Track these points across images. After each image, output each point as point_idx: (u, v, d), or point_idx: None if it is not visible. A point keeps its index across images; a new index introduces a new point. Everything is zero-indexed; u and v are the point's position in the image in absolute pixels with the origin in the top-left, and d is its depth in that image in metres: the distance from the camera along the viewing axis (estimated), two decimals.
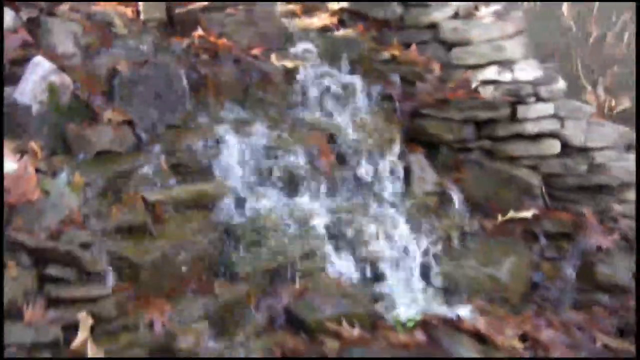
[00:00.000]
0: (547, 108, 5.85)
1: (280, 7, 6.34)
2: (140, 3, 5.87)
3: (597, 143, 5.92)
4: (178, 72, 5.29)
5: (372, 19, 6.32)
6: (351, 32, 6.25)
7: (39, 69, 4.90)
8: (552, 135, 5.86)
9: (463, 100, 5.83)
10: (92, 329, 4.11)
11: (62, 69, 5.04)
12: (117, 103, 5.13)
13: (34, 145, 4.65)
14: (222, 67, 5.56)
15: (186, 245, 4.69)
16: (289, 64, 5.75)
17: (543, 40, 7.55)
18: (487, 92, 5.87)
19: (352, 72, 6.03)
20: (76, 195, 4.60)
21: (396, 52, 6.11)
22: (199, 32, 5.74)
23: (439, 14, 6.22)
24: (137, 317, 4.31)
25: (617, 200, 5.84)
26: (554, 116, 5.86)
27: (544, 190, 5.85)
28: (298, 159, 5.30)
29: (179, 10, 5.92)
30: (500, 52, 6.04)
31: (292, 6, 6.45)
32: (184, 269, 4.65)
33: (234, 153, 5.17)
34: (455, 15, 6.26)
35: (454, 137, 5.84)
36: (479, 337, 4.74)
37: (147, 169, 4.92)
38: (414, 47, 6.16)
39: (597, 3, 8.05)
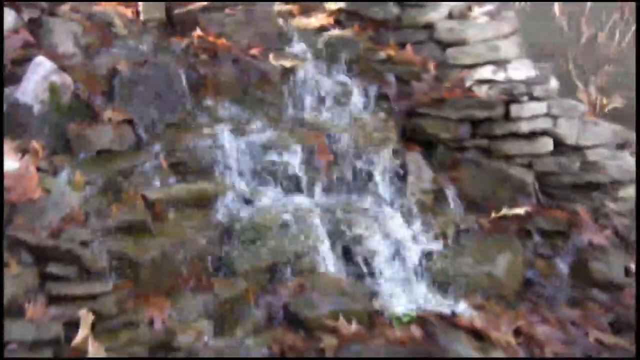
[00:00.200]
0: (541, 107, 5.82)
1: (278, 7, 6.31)
2: (140, 3, 5.86)
3: (590, 141, 5.90)
4: (177, 72, 5.29)
5: (368, 19, 6.29)
6: (348, 32, 6.22)
7: (40, 68, 4.89)
8: (546, 133, 5.84)
9: (459, 99, 5.80)
10: (93, 326, 4.09)
11: (63, 68, 5.04)
12: (117, 102, 5.13)
13: (35, 144, 4.64)
14: (221, 66, 5.54)
15: (186, 244, 4.67)
16: (287, 63, 5.74)
17: (536, 40, 7.53)
18: (483, 92, 5.85)
19: (349, 71, 6.00)
20: (77, 194, 4.60)
21: (392, 52, 6.08)
22: (198, 32, 5.73)
23: (435, 14, 6.20)
24: (137, 315, 4.30)
25: (610, 197, 5.81)
26: (548, 115, 5.83)
27: (537, 188, 5.83)
28: (296, 158, 5.28)
29: (178, 10, 5.90)
30: (495, 52, 6.02)
31: (289, 6, 6.42)
32: (183, 267, 4.63)
33: (233, 152, 5.17)
34: (449, 16, 6.24)
35: (450, 136, 5.81)
36: (475, 333, 4.73)
37: (147, 168, 4.93)
38: (409, 47, 6.13)
39: (588, 3, 8.03)
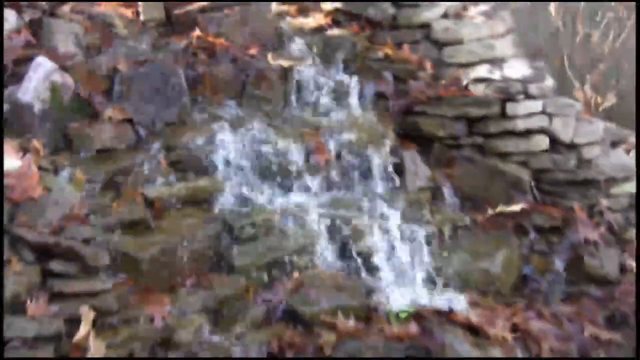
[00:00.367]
0: (536, 105, 5.82)
1: (276, 7, 6.30)
2: (140, 4, 5.86)
3: (584, 139, 5.90)
4: (177, 71, 5.29)
5: (365, 19, 6.29)
6: (345, 31, 6.22)
7: (42, 68, 4.90)
8: (541, 131, 5.83)
9: (455, 97, 5.80)
10: (94, 323, 4.09)
11: (64, 68, 5.05)
12: (117, 101, 5.13)
13: (36, 143, 4.65)
14: (219, 66, 5.54)
15: (185, 241, 4.67)
16: (284, 63, 5.74)
17: (532, 40, 7.54)
18: (479, 90, 5.84)
19: (346, 70, 6.00)
20: (78, 192, 4.61)
21: (389, 51, 6.08)
22: (197, 32, 5.73)
23: (430, 14, 6.20)
24: (138, 311, 4.30)
25: (605, 194, 5.81)
26: (543, 113, 5.83)
27: (533, 185, 5.82)
28: (294, 156, 5.27)
29: (177, 11, 5.91)
30: (491, 51, 6.03)
31: (287, 7, 6.42)
32: (183, 264, 4.63)
33: (232, 150, 5.16)
34: (445, 15, 6.24)
35: (446, 134, 5.79)
36: (471, 329, 4.72)
37: (146, 166, 4.93)
38: (406, 46, 6.12)
39: (582, 3, 8.04)
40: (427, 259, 5.24)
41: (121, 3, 5.84)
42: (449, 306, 4.87)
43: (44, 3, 5.42)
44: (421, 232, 5.29)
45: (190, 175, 5.04)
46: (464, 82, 5.93)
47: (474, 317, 4.78)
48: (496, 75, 5.86)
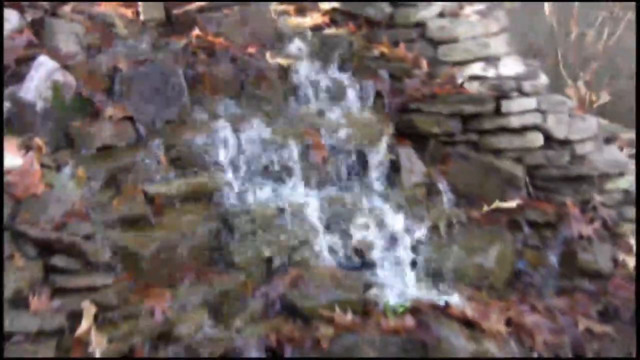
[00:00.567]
0: (530, 102, 5.82)
1: (274, 7, 6.30)
2: (140, 4, 5.85)
3: (578, 135, 5.90)
4: (176, 70, 5.28)
5: (362, 18, 6.30)
6: (342, 30, 6.22)
7: (43, 68, 4.90)
8: (535, 128, 5.84)
9: (450, 95, 5.81)
10: (96, 318, 4.10)
11: (66, 67, 5.05)
12: (118, 100, 5.12)
13: (38, 141, 4.65)
14: (218, 65, 5.54)
15: (185, 237, 4.68)
16: (283, 61, 5.74)
17: (526, 38, 7.55)
18: (473, 87, 5.85)
19: (343, 69, 6.00)
20: (79, 188, 4.62)
21: (385, 50, 6.09)
22: (197, 31, 5.73)
23: (427, 13, 6.20)
24: (138, 306, 4.30)
25: (598, 190, 5.82)
26: (537, 110, 5.83)
27: (527, 181, 5.83)
28: (292, 153, 5.28)
29: (177, 10, 5.90)
30: (485, 49, 6.04)
31: (285, 6, 6.43)
32: (183, 259, 4.64)
33: (231, 147, 5.16)
34: (441, 14, 6.24)
35: (441, 131, 5.80)
36: (467, 323, 4.73)
37: (147, 163, 4.92)
38: (402, 44, 6.13)
39: (576, 2, 8.05)
40: (423, 254, 5.26)
41: (121, 3, 5.83)
42: (444, 300, 4.88)
43: (45, 3, 5.41)
44: (417, 228, 5.31)
45: (190, 173, 5.03)
46: (459, 80, 5.94)
47: (469, 311, 4.78)
48: (490, 73, 5.87)
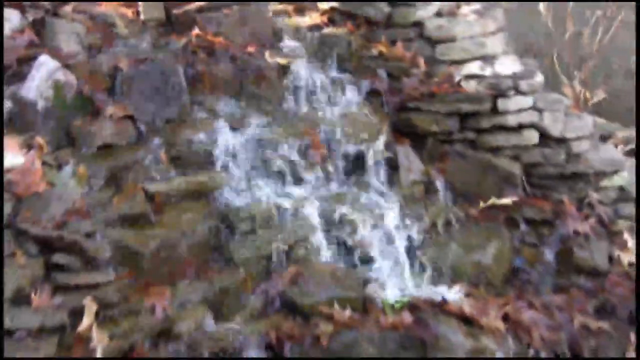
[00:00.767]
0: (527, 101, 5.82)
1: (273, 7, 6.29)
2: (140, 4, 5.84)
3: (574, 133, 5.89)
4: (176, 69, 5.27)
5: (361, 17, 6.27)
6: (341, 30, 6.20)
7: (45, 67, 4.89)
8: (532, 126, 5.83)
9: (448, 94, 5.79)
10: (97, 315, 4.09)
11: (67, 67, 5.04)
12: (119, 99, 5.11)
13: (40, 139, 4.64)
14: (218, 64, 5.52)
15: (185, 234, 4.67)
16: (282, 60, 5.72)
17: (523, 37, 7.54)
18: (471, 86, 5.84)
19: (341, 68, 6.00)
20: (80, 187, 4.62)
21: (383, 49, 6.08)
22: (196, 31, 5.71)
23: (424, 13, 6.18)
24: (139, 303, 4.30)
25: (594, 188, 5.82)
26: (534, 108, 5.82)
27: (524, 179, 5.83)
28: (291, 151, 5.27)
29: (177, 10, 5.88)
30: (483, 48, 6.03)
31: (285, 6, 6.42)
32: (183, 256, 4.63)
33: (230, 145, 5.15)
34: (439, 14, 6.23)
35: (439, 129, 5.79)
36: (464, 319, 4.72)
37: (147, 162, 4.91)
38: (400, 44, 6.12)
39: (571, 2, 8.05)
40: (421, 251, 5.25)
41: (122, 3, 5.83)
42: (442, 297, 4.87)
43: (46, 3, 5.40)
44: (415, 225, 5.31)
45: (190, 171, 5.01)
46: (456, 79, 5.92)
47: (467, 308, 4.78)
48: (488, 72, 5.86)
